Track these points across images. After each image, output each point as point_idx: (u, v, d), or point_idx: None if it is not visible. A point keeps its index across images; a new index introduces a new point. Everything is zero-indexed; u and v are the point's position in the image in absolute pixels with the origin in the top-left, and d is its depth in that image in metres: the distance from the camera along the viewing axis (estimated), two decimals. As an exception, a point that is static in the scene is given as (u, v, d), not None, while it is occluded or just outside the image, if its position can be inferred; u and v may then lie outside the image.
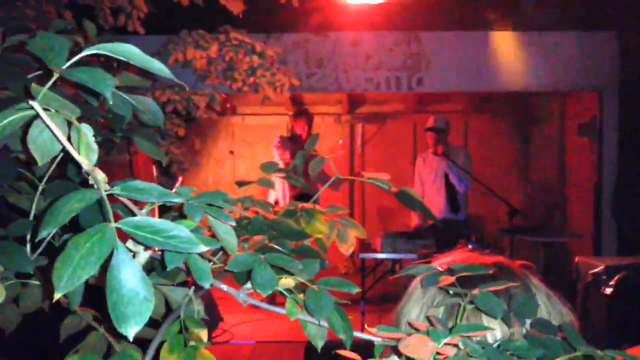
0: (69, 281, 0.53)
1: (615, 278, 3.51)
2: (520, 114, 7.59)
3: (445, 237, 4.70)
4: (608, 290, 3.51)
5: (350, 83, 5.56)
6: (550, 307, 0.96)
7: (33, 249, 0.97)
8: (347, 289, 0.89)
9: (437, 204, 4.97)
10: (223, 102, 3.05)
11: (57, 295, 0.52)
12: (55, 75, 0.64)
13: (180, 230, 0.61)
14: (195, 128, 6.03)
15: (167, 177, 5.13)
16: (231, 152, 7.83)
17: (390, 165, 7.64)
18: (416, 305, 1.04)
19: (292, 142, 5.54)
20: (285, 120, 7.83)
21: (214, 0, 2.75)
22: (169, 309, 1.05)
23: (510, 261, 1.05)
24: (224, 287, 0.91)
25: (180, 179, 3.98)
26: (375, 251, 4.75)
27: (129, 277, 0.56)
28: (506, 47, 5.43)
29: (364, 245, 4.93)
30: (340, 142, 7.89)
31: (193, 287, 1.00)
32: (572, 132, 6.24)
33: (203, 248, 0.60)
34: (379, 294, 5.79)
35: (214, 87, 3.13)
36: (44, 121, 0.64)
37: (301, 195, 5.63)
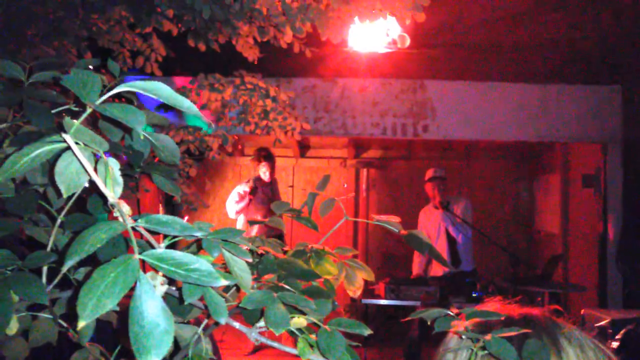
0: (93, 310, 0.54)
1: (622, 332, 3.46)
2: (525, 163, 7.64)
3: (449, 286, 4.66)
4: (614, 344, 3.45)
5: (357, 128, 5.63)
6: (583, 358, 0.94)
7: (48, 282, 0.97)
8: (360, 330, 0.89)
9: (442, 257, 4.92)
10: (234, 144, 3.10)
11: (80, 324, 0.53)
12: (89, 110, 0.67)
13: (201, 263, 0.62)
14: (204, 168, 6.09)
15: (172, 215, 5.14)
16: (238, 193, 7.86)
17: (395, 209, 7.65)
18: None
19: (259, 184, 5.58)
20: (292, 163, 7.89)
21: (230, 46, 2.84)
22: (177, 346, 1.05)
23: (539, 310, 1.05)
24: (237, 324, 0.91)
25: (186, 217, 3.98)
26: (378, 297, 4.70)
27: (151, 308, 0.57)
28: (510, 98, 5.52)
29: (367, 291, 4.89)
30: (345, 185, 7.93)
31: (202, 325, 1.00)
32: (576, 184, 6.26)
33: (223, 282, 0.61)
34: (381, 339, 5.69)
35: (228, 129, 3.20)
36: (74, 154, 0.66)
37: (277, 236, 5.61)
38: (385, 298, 4.62)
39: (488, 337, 0.82)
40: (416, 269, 5.12)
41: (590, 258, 5.69)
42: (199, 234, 0.72)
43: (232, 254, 0.83)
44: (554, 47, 5.33)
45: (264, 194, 5.53)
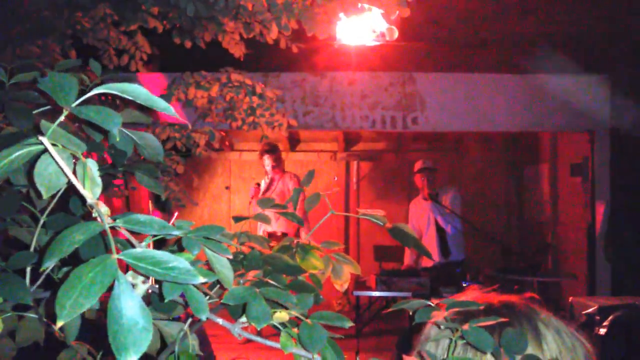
0: (71, 310, 0.55)
1: (609, 318, 3.50)
2: (514, 153, 7.69)
3: (439, 276, 4.70)
4: (602, 331, 3.50)
5: (347, 121, 5.64)
6: (560, 342, 0.97)
7: (32, 282, 0.98)
8: (340, 323, 0.91)
9: (430, 249, 4.96)
10: (221, 139, 3.10)
11: (59, 324, 0.54)
12: (65, 113, 0.67)
13: (179, 261, 0.63)
14: (193, 164, 6.08)
15: (162, 212, 5.13)
16: (227, 188, 7.86)
17: (385, 202, 7.67)
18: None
19: (268, 179, 5.64)
20: (282, 157, 7.90)
21: (216, 42, 2.84)
22: (163, 344, 1.06)
23: (517, 297, 1.06)
24: (220, 320, 0.92)
25: (175, 214, 3.98)
26: (370, 289, 4.73)
27: (129, 306, 0.58)
28: (498, 89, 5.55)
29: (358, 283, 4.91)
30: (336, 178, 7.94)
31: (188, 322, 1.01)
32: (564, 173, 6.31)
33: (201, 279, 0.62)
34: (374, 331, 5.73)
35: (214, 125, 3.19)
36: (51, 156, 0.66)
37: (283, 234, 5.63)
38: (377, 290, 4.65)
39: (466, 326, 0.84)
40: (407, 259, 5.15)
41: (579, 246, 5.74)
42: (178, 232, 0.73)
43: (213, 251, 0.84)
44: (541, 38, 5.35)
45: (278, 190, 5.59)
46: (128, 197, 4.79)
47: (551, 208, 6.66)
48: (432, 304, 0.97)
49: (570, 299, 4.10)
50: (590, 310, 3.70)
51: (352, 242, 7.85)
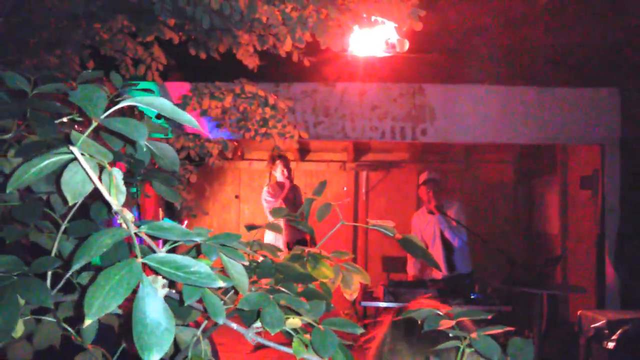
0: (99, 309, 0.58)
1: (618, 332, 3.49)
2: (524, 165, 7.68)
3: (447, 288, 4.69)
4: (610, 345, 3.49)
5: (356, 131, 5.68)
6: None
7: (52, 286, 1.01)
8: (351, 329, 0.93)
9: (440, 261, 4.95)
10: (234, 149, 3.15)
11: (87, 322, 0.57)
12: (94, 124, 0.71)
13: (200, 266, 0.66)
14: (203, 173, 6.14)
15: (172, 220, 5.18)
16: (237, 197, 7.91)
17: (394, 212, 7.68)
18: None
19: (279, 188, 5.72)
20: (292, 166, 7.94)
21: (230, 53, 2.89)
22: (177, 349, 1.09)
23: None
24: (234, 325, 0.95)
25: (186, 222, 4.03)
26: (377, 299, 4.73)
27: (153, 308, 0.61)
28: (508, 101, 5.57)
29: (366, 293, 4.91)
30: (345, 188, 7.97)
31: (202, 328, 1.04)
32: (574, 185, 6.29)
33: (221, 283, 0.65)
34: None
35: (228, 135, 3.24)
36: (80, 164, 0.70)
37: (300, 241, 5.68)
38: (384, 300, 4.65)
39: (474, 335, 0.86)
40: (411, 269, 5.15)
41: (589, 259, 5.72)
42: (198, 239, 0.76)
43: (229, 257, 0.87)
44: (551, 50, 5.37)
45: (287, 199, 5.65)
46: (139, 205, 4.85)
47: (560, 220, 6.63)
48: (441, 313, 0.99)
49: (579, 312, 4.09)
50: (599, 324, 3.69)
51: (360, 252, 7.85)
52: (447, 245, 4.96)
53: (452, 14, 5.06)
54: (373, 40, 4.70)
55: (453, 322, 0.92)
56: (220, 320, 0.79)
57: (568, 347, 4.23)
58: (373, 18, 2.64)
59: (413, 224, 5.23)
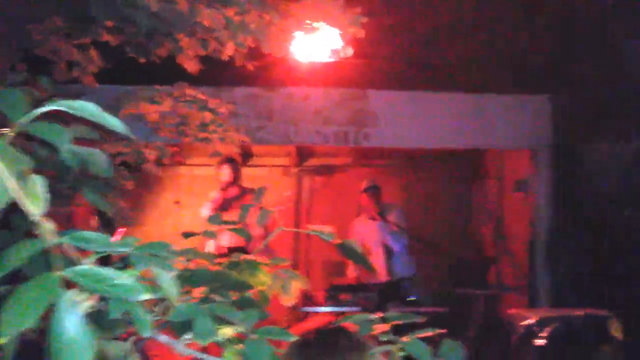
0: (14, 327, 0.55)
1: (547, 330, 3.64)
2: (462, 170, 7.90)
3: (387, 291, 4.76)
4: (540, 342, 3.63)
5: (300, 136, 5.68)
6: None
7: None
8: (285, 337, 0.93)
9: (378, 268, 5.02)
10: (173, 155, 3.07)
11: (2, 340, 0.54)
12: (16, 129, 0.68)
13: (124, 278, 0.64)
14: (141, 178, 5.98)
15: (107, 228, 4.96)
16: (177, 203, 7.73)
17: (337, 217, 7.70)
18: None
19: (226, 195, 5.41)
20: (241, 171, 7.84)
21: (170, 57, 2.83)
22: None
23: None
24: (165, 338, 0.93)
25: (120, 230, 3.88)
26: (318, 304, 4.74)
27: (71, 325, 0.59)
28: (447, 107, 5.72)
29: (307, 299, 4.92)
30: (288, 194, 7.95)
31: (131, 341, 1.01)
32: (509, 189, 6.54)
33: (147, 295, 0.63)
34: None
35: (167, 141, 3.15)
36: (-4, 173, 0.66)
37: (240, 248, 5.52)
38: (325, 305, 4.66)
39: (406, 338, 0.88)
40: (352, 272, 5.20)
41: (521, 260, 5.95)
42: (123, 249, 0.74)
43: (159, 268, 0.85)
44: (488, 58, 5.57)
45: (233, 207, 5.32)
46: (70, 213, 4.65)
47: (496, 223, 6.87)
48: (373, 318, 1.00)
49: (512, 311, 4.24)
50: (529, 321, 3.84)
51: (302, 257, 7.84)
52: (387, 251, 5.04)
53: (394, 22, 5.17)
54: (317, 45, 4.72)
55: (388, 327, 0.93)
56: (147, 334, 0.77)
57: (501, 346, 4.38)
58: (316, 24, 2.66)
59: (354, 230, 5.28)
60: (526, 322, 3.82)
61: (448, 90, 5.74)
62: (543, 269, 5.56)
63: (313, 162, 8.08)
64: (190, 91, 2.87)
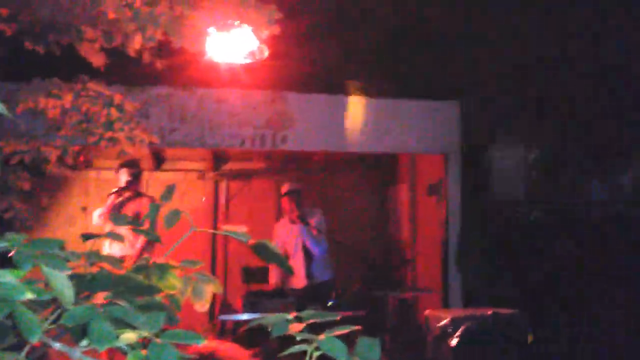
0: None
1: (461, 329, 3.76)
2: (378, 174, 8.06)
3: (306, 296, 4.75)
4: (454, 342, 3.75)
5: (215, 139, 5.56)
6: None
7: None
8: (193, 340, 0.86)
9: (297, 272, 5.00)
10: (76, 156, 2.85)
11: None
12: None
13: (4, 277, 0.56)
14: (45, 182, 5.61)
15: (5, 231, 4.58)
16: (84, 209, 7.31)
17: (255, 222, 7.61)
18: None
19: (124, 199, 5.15)
20: (144, 176, 7.54)
21: (74, 50, 2.63)
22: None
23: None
24: (57, 345, 0.84)
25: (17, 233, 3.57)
26: (236, 312, 4.64)
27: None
28: (363, 112, 5.82)
29: (224, 306, 4.80)
30: (204, 199, 7.77)
31: (25, 350, 0.91)
32: (422, 192, 6.75)
33: (29, 295, 0.55)
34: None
35: (68, 139, 2.93)
36: None
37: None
38: (243, 312, 4.57)
39: (321, 336, 0.84)
40: (273, 278, 5.14)
41: (435, 262, 6.14)
42: (3, 244, 0.65)
43: (50, 267, 0.76)
44: (401, 65, 5.72)
45: (131, 211, 5.05)
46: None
47: (410, 226, 7.07)
48: (290, 318, 0.96)
49: (426, 312, 4.35)
50: (443, 322, 3.96)
51: (219, 264, 7.68)
52: (308, 254, 5.03)
53: (312, 25, 5.19)
54: (233, 46, 4.64)
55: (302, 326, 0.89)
56: (34, 339, 0.68)
57: (417, 346, 4.49)
58: (230, 21, 2.58)
59: (275, 234, 5.23)
60: (441, 323, 3.93)
61: (364, 94, 5.84)
62: (455, 271, 5.76)
63: (230, 166, 7.93)
64: (94, 85, 2.68)
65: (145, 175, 7.54)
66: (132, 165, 5.24)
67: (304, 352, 0.86)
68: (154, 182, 7.55)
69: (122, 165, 5.18)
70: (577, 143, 6.07)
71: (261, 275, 6.50)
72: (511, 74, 5.49)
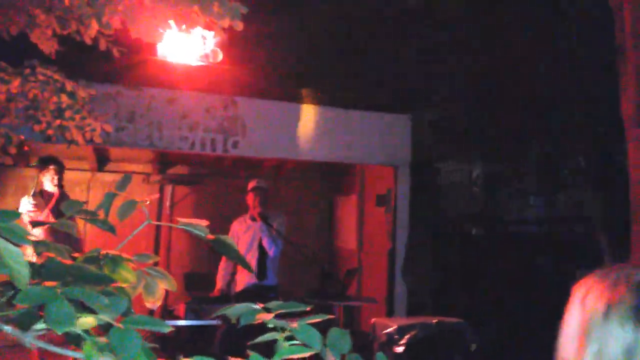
0: None
1: (406, 337, 3.80)
2: (328, 183, 8.09)
3: (251, 301, 4.66)
4: (399, 349, 3.78)
5: (164, 141, 5.42)
6: None
7: None
8: (158, 327, 0.82)
9: (248, 271, 4.92)
10: (20, 146, 2.68)
11: None
12: None
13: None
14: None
15: None
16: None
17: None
18: None
19: (44, 199, 4.84)
20: (87, 177, 7.27)
21: (24, 36, 2.48)
22: None
23: None
24: (7, 328, 0.77)
25: None
26: (178, 318, 4.50)
27: None
28: (316, 120, 5.84)
29: (167, 312, 4.65)
30: (148, 202, 7.54)
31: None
32: (371, 202, 6.81)
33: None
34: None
35: (13, 128, 2.75)
36: None
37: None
38: (186, 319, 4.43)
39: (295, 324, 0.81)
40: (220, 282, 5.03)
41: (381, 272, 6.20)
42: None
43: (5, 240, 0.70)
44: (356, 76, 5.78)
45: (54, 211, 4.75)
46: None
47: (357, 236, 7.11)
48: (257, 307, 0.93)
49: (373, 320, 4.37)
50: (389, 330, 3.98)
51: (161, 268, 7.47)
52: (262, 254, 4.96)
53: (267, 32, 5.16)
54: (187, 47, 4.56)
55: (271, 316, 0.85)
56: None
57: (363, 353, 4.48)
58: (190, 19, 2.51)
59: (232, 229, 5.13)
60: (387, 330, 3.95)
61: (317, 103, 5.86)
62: (401, 281, 5.83)
63: (177, 170, 7.75)
64: (43, 70, 2.52)
65: (88, 175, 7.28)
66: (58, 164, 4.87)
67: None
68: (96, 183, 7.29)
69: (50, 163, 4.82)
70: (519, 161, 6.30)
71: (204, 281, 6.37)
72: (463, 92, 5.65)
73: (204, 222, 1.27)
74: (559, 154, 6.35)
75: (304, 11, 5.47)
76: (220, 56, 4.54)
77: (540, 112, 5.99)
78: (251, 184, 5.10)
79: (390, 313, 5.77)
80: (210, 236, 1.22)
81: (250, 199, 5.05)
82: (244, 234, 5.03)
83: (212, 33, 4.23)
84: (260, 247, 4.96)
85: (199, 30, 3.39)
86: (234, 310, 0.94)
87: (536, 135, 6.26)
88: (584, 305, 0.89)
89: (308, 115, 5.81)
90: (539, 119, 6.07)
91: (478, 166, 6.58)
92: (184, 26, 2.38)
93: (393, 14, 5.54)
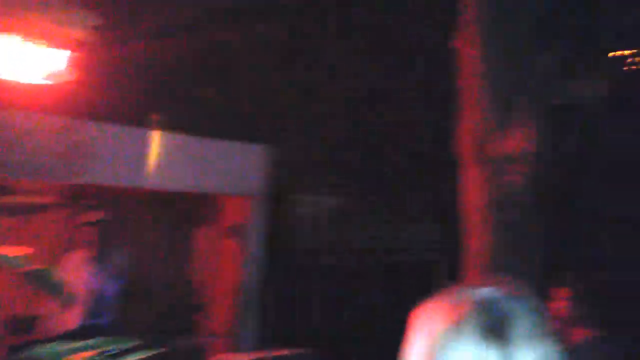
0: None
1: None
2: (180, 213, 7.82)
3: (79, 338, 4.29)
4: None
5: (-2, 167, 4.89)
6: None
7: None
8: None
9: (81, 311, 4.55)
10: None
11: None
12: None
13: None
14: None
15: None
16: None
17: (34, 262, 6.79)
18: None
19: None
20: None
21: None
22: None
23: None
24: None
25: None
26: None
27: None
28: (167, 148, 5.65)
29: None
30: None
31: None
32: (224, 234, 6.72)
33: None
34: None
35: None
36: None
37: None
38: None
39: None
40: (48, 323, 4.58)
41: (230, 305, 6.09)
42: None
43: None
44: (212, 103, 5.74)
45: None
46: None
47: (210, 268, 6.95)
48: (77, 345, 0.85)
49: (216, 356, 4.24)
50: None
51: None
52: (99, 292, 4.63)
53: (119, 54, 4.97)
54: (30, 65, 4.24)
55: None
56: None
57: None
58: (38, 34, 2.33)
59: (67, 263, 4.72)
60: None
61: (168, 130, 5.69)
62: (251, 314, 5.76)
63: (8, 199, 7.01)
64: None
65: None
66: None
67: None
68: None
69: None
70: (376, 193, 6.64)
71: (29, 324, 5.70)
72: (318, 124, 5.85)
73: (24, 251, 1.14)
74: (406, 188, 6.79)
75: (161, 36, 5.36)
76: (75, 75, 4.29)
77: (394, 146, 6.40)
78: (86, 218, 4.78)
79: (238, 349, 5.65)
80: (29, 267, 1.11)
81: (85, 233, 4.73)
82: (79, 269, 4.67)
83: (65, 51, 4.03)
84: (98, 284, 4.63)
85: (49, 48, 3.18)
86: (40, 350, 0.85)
87: (388, 170, 6.64)
88: (428, 328, 0.88)
89: (158, 142, 5.61)
90: (392, 154, 6.47)
91: (333, 198, 6.81)
92: (27, 42, 2.20)
93: (252, 45, 5.63)
